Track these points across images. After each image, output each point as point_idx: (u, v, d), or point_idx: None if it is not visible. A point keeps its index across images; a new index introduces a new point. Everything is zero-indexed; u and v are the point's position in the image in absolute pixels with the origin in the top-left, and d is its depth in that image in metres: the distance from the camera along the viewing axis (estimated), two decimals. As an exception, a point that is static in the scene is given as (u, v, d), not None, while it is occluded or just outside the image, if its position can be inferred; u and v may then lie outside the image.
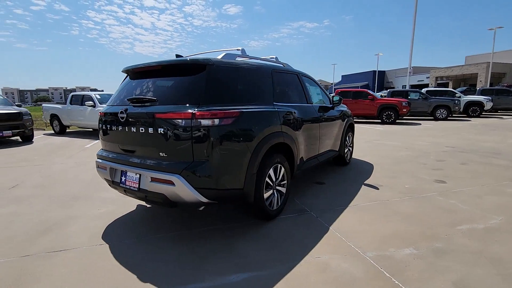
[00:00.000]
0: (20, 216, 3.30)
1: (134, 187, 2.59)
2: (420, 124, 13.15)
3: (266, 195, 2.91)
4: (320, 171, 5.00)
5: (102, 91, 24.87)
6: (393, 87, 47.21)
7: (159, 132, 2.40)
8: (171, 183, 2.33)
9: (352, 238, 2.67)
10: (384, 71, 55.92)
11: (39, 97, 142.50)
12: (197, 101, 2.37)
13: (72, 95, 11.01)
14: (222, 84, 2.60)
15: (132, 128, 2.56)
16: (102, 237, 2.79)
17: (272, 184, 3.00)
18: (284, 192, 3.23)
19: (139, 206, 3.55)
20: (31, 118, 9.52)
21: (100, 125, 2.95)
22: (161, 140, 2.41)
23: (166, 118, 2.37)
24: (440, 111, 14.72)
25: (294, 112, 3.40)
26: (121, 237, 2.78)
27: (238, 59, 3.04)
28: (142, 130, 2.49)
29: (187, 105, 2.36)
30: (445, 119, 14.69)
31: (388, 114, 13.11)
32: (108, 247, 2.61)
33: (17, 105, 10.01)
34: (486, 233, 2.72)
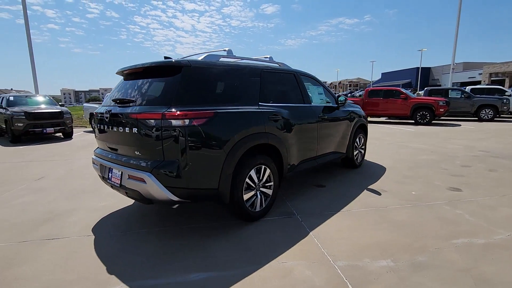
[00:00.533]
0: (33, 205, 3.66)
1: (117, 183, 2.74)
2: (460, 125, 12.04)
3: (246, 196, 2.89)
4: (324, 173, 4.83)
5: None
6: (439, 85, 43.73)
7: (134, 131, 2.51)
8: (143, 180, 2.43)
9: (329, 245, 2.55)
10: (430, 68, 52.18)
11: (91, 97, 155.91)
12: (169, 102, 2.44)
13: (107, 96, 11.86)
14: (198, 85, 2.64)
15: (114, 127, 2.71)
16: (92, 229, 2.99)
17: (254, 185, 2.97)
18: (270, 194, 3.19)
19: (136, 201, 3.73)
20: (71, 116, 10.46)
21: (94, 124, 3.16)
22: (136, 139, 2.52)
23: (140, 118, 2.47)
24: (485, 111, 13.35)
25: (285, 113, 3.33)
26: (109, 230, 2.96)
27: (223, 59, 3.06)
28: (121, 129, 2.63)
29: (160, 105, 2.44)
30: (491, 120, 13.29)
31: (423, 115, 12.19)
32: (94, 238, 2.79)
33: (60, 105, 11.05)
34: (484, 249, 2.43)
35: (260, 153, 3.02)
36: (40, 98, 10.94)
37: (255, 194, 3.01)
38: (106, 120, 2.79)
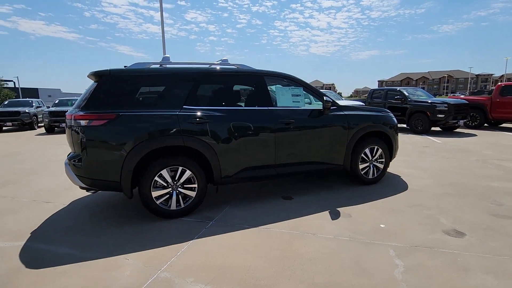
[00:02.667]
0: (74, 178, 5.04)
1: (71, 169, 3.52)
2: None
3: (156, 193, 3.08)
4: (314, 185, 4.25)
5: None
6: None
7: (66, 128, 3.19)
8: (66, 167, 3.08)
9: (187, 256, 2.46)
10: None
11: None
12: (82, 105, 2.96)
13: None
14: (114, 90, 3.04)
15: (70, 125, 3.48)
16: (73, 201, 3.91)
17: (168, 185, 3.12)
18: (193, 195, 3.24)
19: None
20: (29, 114, 13.78)
21: None
22: (67, 135, 3.20)
23: (67, 118, 3.12)
24: None
25: (220, 116, 3.26)
26: (81, 203, 3.80)
27: (154, 66, 3.31)
28: (68, 126, 3.36)
29: (77, 108, 3.00)
30: None
31: None
32: (64, 207, 3.68)
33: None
34: (338, 315, 1.75)
35: (178, 154, 3.13)
36: (24, 102, 15.12)
37: (169, 193, 3.15)
38: (71, 118, 3.62)
